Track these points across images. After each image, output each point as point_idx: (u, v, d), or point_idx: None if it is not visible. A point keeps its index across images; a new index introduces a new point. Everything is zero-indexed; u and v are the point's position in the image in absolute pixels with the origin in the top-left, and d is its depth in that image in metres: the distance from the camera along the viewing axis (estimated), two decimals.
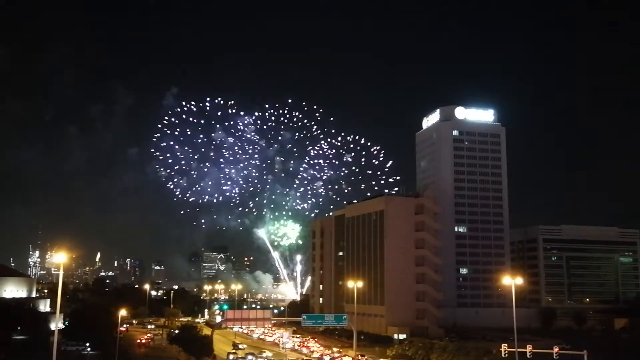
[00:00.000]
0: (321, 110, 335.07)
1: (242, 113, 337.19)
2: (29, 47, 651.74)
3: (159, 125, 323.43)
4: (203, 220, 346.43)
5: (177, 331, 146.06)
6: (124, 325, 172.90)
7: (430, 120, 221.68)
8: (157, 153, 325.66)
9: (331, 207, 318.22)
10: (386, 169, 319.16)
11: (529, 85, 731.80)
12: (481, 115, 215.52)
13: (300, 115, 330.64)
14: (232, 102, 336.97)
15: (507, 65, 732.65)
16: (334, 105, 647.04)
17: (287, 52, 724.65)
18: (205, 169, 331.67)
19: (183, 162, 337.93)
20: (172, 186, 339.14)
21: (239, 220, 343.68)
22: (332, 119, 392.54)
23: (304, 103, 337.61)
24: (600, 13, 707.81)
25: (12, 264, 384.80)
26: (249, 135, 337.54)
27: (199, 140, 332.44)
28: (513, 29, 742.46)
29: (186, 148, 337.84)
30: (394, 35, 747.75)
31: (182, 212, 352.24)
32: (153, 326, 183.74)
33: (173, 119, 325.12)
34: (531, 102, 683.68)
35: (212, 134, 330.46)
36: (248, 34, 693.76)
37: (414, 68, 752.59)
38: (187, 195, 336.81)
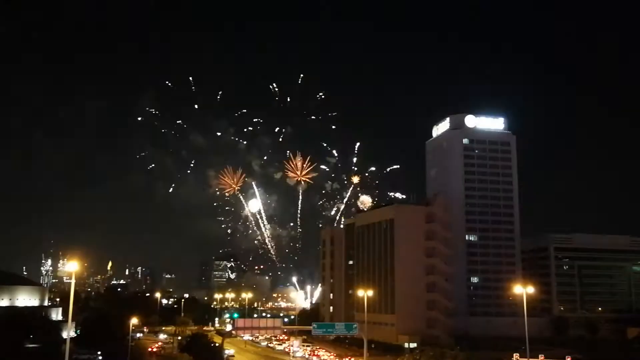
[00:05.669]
0: (328, 116, 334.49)
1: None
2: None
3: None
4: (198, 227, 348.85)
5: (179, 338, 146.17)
6: (139, 335, 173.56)
7: (440, 128, 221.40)
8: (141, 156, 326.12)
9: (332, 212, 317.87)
10: (396, 177, 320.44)
11: (539, 92, 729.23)
12: (491, 123, 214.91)
13: (301, 119, 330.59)
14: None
15: (517, 72, 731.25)
16: (342, 112, 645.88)
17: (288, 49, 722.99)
18: (188, 173, 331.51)
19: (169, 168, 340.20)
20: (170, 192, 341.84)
21: (228, 226, 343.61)
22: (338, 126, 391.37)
23: (307, 106, 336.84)
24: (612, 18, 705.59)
25: (25, 273, 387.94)
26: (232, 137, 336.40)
27: (179, 145, 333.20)
28: (524, 36, 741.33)
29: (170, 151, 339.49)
30: (403, 43, 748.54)
31: (191, 219, 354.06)
32: (165, 336, 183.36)
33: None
34: (542, 110, 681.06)
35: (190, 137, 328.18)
36: (236, 35, 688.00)
37: (423, 76, 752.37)
38: (177, 201, 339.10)
